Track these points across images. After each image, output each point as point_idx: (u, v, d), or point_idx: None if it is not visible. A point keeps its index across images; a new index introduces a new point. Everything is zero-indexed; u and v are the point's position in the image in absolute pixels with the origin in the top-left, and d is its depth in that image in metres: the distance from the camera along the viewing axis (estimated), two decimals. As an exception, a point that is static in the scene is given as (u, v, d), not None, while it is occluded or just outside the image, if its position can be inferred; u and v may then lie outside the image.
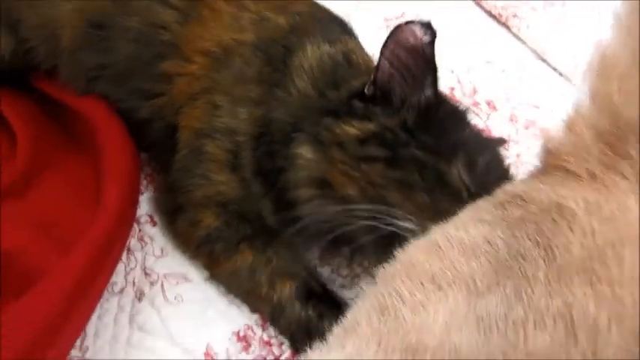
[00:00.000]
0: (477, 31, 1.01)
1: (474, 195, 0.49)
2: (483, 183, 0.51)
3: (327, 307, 0.58)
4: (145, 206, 0.68)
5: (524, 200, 0.40)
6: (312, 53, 0.61)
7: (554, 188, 0.39)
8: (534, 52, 0.98)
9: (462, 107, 0.62)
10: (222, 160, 0.59)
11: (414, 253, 0.40)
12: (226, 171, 0.59)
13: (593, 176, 0.39)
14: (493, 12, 1.03)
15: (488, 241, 0.38)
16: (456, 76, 0.91)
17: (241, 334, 0.60)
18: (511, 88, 0.91)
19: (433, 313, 0.34)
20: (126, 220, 0.60)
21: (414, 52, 0.53)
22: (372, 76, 0.55)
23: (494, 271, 0.36)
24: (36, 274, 0.54)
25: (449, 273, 0.37)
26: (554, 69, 0.96)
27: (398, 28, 0.52)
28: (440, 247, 0.39)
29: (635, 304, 0.31)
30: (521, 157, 0.80)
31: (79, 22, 0.65)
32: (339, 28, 0.66)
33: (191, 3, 0.63)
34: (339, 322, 0.39)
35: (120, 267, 0.63)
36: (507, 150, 0.75)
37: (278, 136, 0.58)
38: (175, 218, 0.63)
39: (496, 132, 0.83)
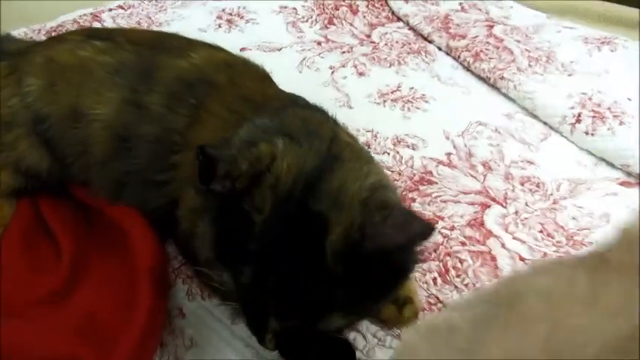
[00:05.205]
0: (468, 95, 1.09)
1: None
2: None
3: None
4: (174, 299, 0.75)
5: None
6: None
7: None
8: (525, 109, 1.04)
9: None
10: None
11: None
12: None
13: None
14: (482, 75, 1.11)
15: None
16: (451, 142, 0.98)
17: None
18: (505, 146, 0.97)
19: None
20: (158, 313, 0.67)
21: None
22: None
23: None
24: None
25: None
26: (545, 123, 1.02)
27: None
28: None
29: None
30: (520, 215, 0.86)
31: (107, 138, 0.74)
32: None
33: (195, 110, 0.72)
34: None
35: (155, 360, 0.70)
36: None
37: None
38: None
39: (493, 192, 0.89)
